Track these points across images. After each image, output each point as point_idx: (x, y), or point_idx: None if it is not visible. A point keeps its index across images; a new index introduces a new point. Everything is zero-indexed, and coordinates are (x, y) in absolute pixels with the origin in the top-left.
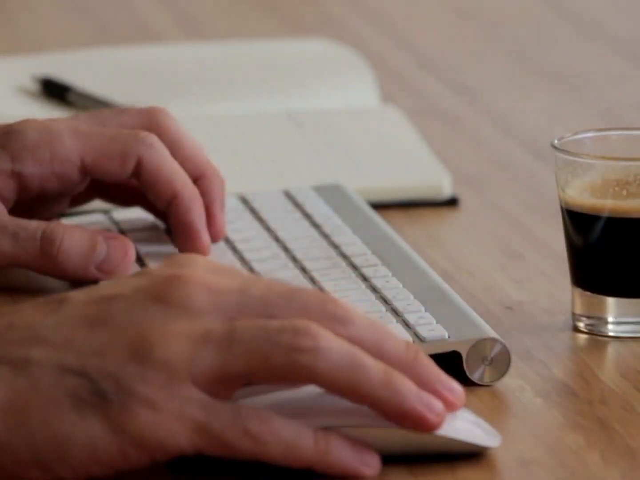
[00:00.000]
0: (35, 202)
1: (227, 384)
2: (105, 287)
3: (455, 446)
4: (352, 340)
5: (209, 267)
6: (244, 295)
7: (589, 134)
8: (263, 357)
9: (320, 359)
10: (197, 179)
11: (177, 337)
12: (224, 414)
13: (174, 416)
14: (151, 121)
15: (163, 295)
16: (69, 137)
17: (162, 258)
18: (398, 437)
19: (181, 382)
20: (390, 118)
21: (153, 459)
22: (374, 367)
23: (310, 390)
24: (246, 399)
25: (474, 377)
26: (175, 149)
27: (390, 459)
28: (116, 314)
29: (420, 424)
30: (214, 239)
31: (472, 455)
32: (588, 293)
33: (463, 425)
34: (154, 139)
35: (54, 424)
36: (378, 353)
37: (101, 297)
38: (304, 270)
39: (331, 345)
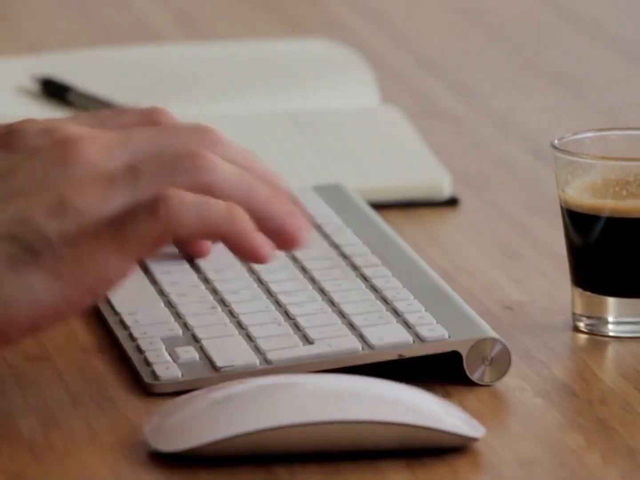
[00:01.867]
0: None
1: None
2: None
3: (442, 438)
4: (229, 160)
5: (86, 125)
6: (131, 140)
7: (589, 134)
8: (169, 182)
9: (219, 174)
10: None
11: (87, 186)
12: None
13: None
14: (152, 121)
15: (60, 157)
16: None
17: (164, 260)
18: (387, 431)
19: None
20: (390, 118)
21: (94, 295)
22: (261, 185)
23: (279, 386)
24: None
25: (474, 377)
26: None
27: (390, 458)
28: (23, 183)
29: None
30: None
31: (471, 454)
32: (588, 293)
33: (448, 419)
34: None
35: None
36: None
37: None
38: (304, 270)
39: (223, 164)
